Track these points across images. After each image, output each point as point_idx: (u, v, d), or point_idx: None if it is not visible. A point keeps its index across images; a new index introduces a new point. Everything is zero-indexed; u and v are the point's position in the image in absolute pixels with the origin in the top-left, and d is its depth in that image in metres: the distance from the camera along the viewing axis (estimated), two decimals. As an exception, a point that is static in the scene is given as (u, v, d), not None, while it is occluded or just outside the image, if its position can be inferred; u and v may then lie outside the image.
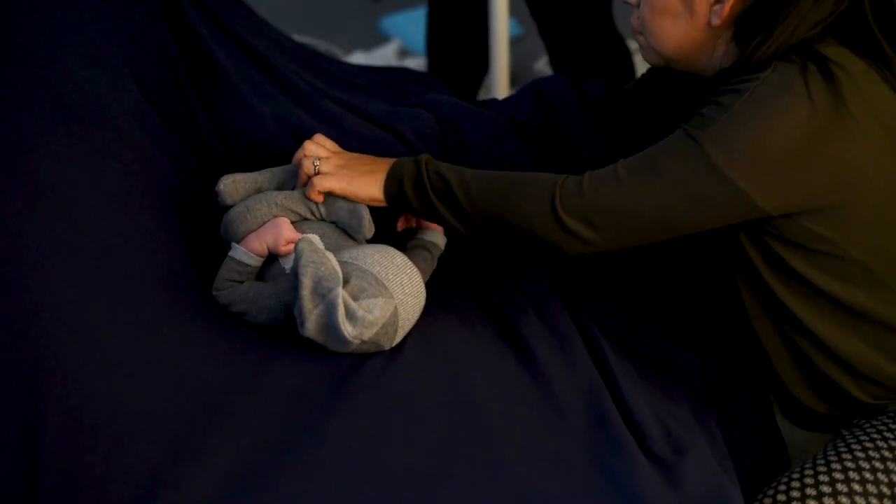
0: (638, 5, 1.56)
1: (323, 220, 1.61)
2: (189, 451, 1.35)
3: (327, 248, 1.49)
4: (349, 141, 1.72)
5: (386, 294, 1.48)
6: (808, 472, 1.53)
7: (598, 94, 1.86)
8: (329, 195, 1.58)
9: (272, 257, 1.57)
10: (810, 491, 1.50)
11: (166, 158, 1.66)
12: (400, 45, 3.43)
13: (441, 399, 1.47)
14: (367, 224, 1.58)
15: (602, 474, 1.42)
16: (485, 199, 1.53)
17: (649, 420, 1.54)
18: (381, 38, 3.51)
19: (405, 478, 1.36)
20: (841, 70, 1.44)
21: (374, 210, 1.59)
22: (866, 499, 1.48)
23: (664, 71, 1.75)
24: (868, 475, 1.50)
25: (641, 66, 2.84)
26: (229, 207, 1.62)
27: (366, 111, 1.82)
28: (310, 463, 1.36)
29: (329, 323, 1.44)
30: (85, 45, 1.67)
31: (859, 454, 1.53)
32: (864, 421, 1.60)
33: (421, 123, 1.80)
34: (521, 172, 1.55)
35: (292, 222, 1.58)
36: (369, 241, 1.60)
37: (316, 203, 1.59)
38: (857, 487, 1.49)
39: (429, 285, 1.59)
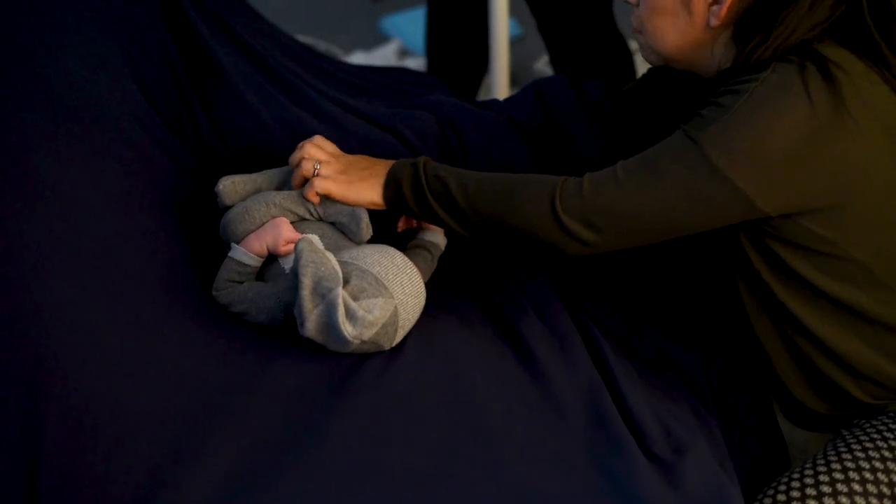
0: (637, 4, 1.56)
1: (321, 220, 1.61)
2: (189, 451, 1.35)
3: (327, 249, 1.50)
4: (349, 141, 1.72)
5: (386, 294, 1.48)
6: (808, 472, 1.53)
7: (598, 94, 1.86)
8: (328, 197, 1.58)
9: (272, 257, 1.57)
10: (810, 491, 1.50)
11: (166, 158, 1.66)
12: (400, 45, 3.43)
13: (441, 399, 1.47)
14: (365, 227, 1.58)
15: (602, 474, 1.42)
16: (484, 202, 1.53)
17: (649, 420, 1.54)
18: (381, 38, 3.51)
19: (405, 478, 1.36)
20: (840, 71, 1.44)
21: (374, 210, 1.59)
22: (866, 499, 1.48)
23: (664, 71, 1.75)
24: (868, 475, 1.50)
25: (642, 66, 2.84)
26: (228, 208, 1.62)
27: (366, 111, 1.82)
28: (310, 463, 1.36)
29: (329, 323, 1.44)
30: (85, 45, 1.67)
31: (859, 454, 1.53)
32: (864, 421, 1.60)
33: (421, 124, 1.80)
34: (521, 174, 1.55)
35: (291, 223, 1.58)
36: (369, 241, 1.60)
37: (314, 204, 1.59)
38: (857, 487, 1.49)
39: (429, 285, 1.59)
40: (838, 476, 1.50)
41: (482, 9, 2.62)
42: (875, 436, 1.55)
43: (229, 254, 1.57)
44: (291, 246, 1.54)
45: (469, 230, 1.56)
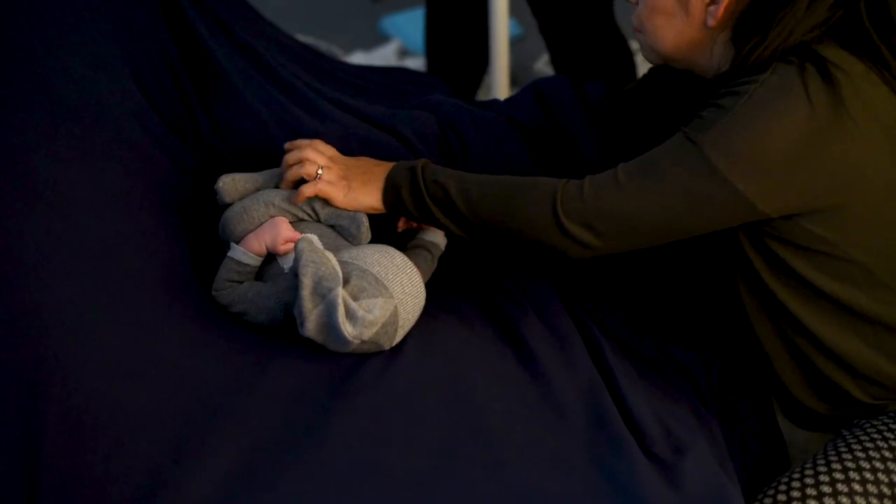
0: (637, 3, 1.56)
1: (320, 222, 1.61)
2: (189, 451, 1.35)
3: (326, 249, 1.49)
4: (349, 142, 1.72)
5: (386, 294, 1.48)
6: (808, 472, 1.53)
7: (598, 94, 1.86)
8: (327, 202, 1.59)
9: (271, 257, 1.58)
10: (811, 491, 1.50)
11: (166, 158, 1.66)
12: (400, 45, 3.43)
13: (441, 399, 1.47)
14: (365, 231, 1.58)
15: (602, 474, 1.42)
16: (484, 206, 1.53)
17: (649, 420, 1.54)
18: (381, 38, 3.50)
19: (405, 478, 1.36)
20: (840, 72, 1.44)
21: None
22: (866, 499, 1.48)
23: (665, 71, 1.75)
24: (868, 475, 1.50)
25: (643, 66, 2.84)
26: (228, 206, 1.62)
27: (366, 112, 1.82)
28: (310, 463, 1.36)
29: (329, 323, 1.44)
30: (85, 45, 1.67)
31: (860, 454, 1.53)
32: (864, 421, 1.60)
33: (421, 124, 1.80)
34: (521, 177, 1.55)
35: (290, 223, 1.58)
36: (369, 242, 1.60)
37: (313, 205, 1.59)
38: (857, 487, 1.49)
39: (429, 285, 1.59)
40: (838, 476, 1.50)
41: (481, 8, 2.62)
42: (875, 436, 1.55)
43: (228, 253, 1.57)
44: (290, 245, 1.54)
45: (469, 233, 1.56)
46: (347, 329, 1.44)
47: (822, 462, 1.54)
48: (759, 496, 1.56)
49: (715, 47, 1.53)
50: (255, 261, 1.56)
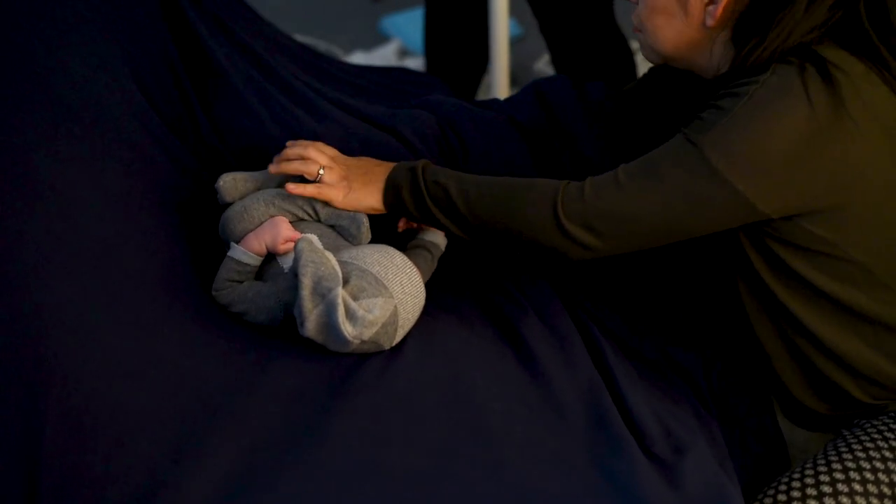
0: (637, 3, 1.56)
1: (320, 221, 1.61)
2: (189, 451, 1.35)
3: (326, 248, 1.50)
4: (350, 142, 1.72)
5: (386, 294, 1.48)
6: (808, 471, 1.53)
7: (599, 94, 1.86)
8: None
9: (271, 257, 1.58)
10: (811, 491, 1.50)
11: (166, 158, 1.66)
12: (400, 45, 3.43)
13: (441, 399, 1.47)
14: (365, 231, 1.58)
15: (602, 474, 1.42)
16: (484, 207, 1.53)
17: (649, 420, 1.54)
18: (381, 38, 3.50)
19: (405, 478, 1.36)
20: (840, 72, 1.44)
21: (374, 210, 1.60)
22: (867, 499, 1.48)
23: (665, 71, 1.75)
24: (868, 475, 1.50)
25: (643, 66, 2.84)
26: (228, 205, 1.62)
27: (366, 112, 1.82)
28: (310, 463, 1.36)
29: (329, 323, 1.44)
30: (85, 45, 1.67)
31: (860, 454, 1.53)
32: (864, 421, 1.60)
33: (421, 124, 1.80)
34: (522, 178, 1.55)
35: (290, 223, 1.58)
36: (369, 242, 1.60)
37: (313, 205, 1.59)
38: (857, 487, 1.49)
39: (429, 285, 1.59)
40: (839, 476, 1.50)
41: (480, 8, 2.62)
42: (875, 435, 1.55)
43: (228, 253, 1.57)
44: (290, 245, 1.54)
45: (470, 234, 1.56)
46: (347, 329, 1.44)
47: (823, 462, 1.54)
48: (759, 496, 1.56)
49: (714, 47, 1.53)
50: (255, 260, 1.56)
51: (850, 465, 1.51)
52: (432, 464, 1.38)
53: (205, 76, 1.79)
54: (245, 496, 1.32)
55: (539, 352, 1.58)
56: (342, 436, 1.39)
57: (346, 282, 1.47)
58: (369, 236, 1.59)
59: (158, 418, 1.37)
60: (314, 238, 1.49)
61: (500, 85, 2.56)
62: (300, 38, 3.22)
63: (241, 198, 1.62)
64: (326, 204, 1.59)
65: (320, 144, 1.62)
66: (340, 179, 1.58)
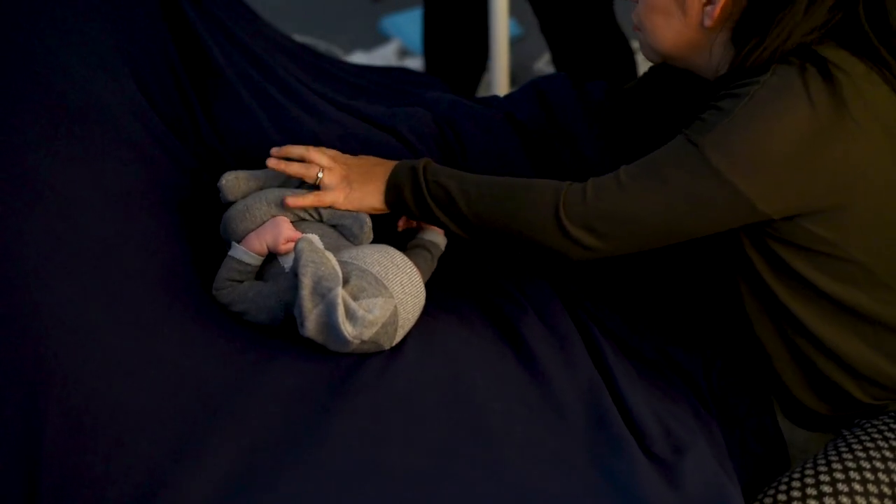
0: (637, 1, 1.56)
1: (322, 222, 1.61)
2: (189, 451, 1.35)
3: (326, 248, 1.50)
4: (349, 142, 1.72)
5: (386, 294, 1.48)
6: (808, 471, 1.53)
7: (599, 94, 1.86)
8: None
9: (272, 256, 1.58)
10: (811, 491, 1.50)
11: (166, 158, 1.66)
12: (400, 45, 3.43)
13: (441, 399, 1.47)
14: (367, 231, 1.59)
15: (602, 474, 1.42)
16: (486, 207, 1.53)
17: (649, 420, 1.54)
18: (381, 38, 3.50)
19: (405, 478, 1.36)
20: (841, 72, 1.44)
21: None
22: (867, 498, 1.48)
23: (665, 70, 1.75)
24: (869, 475, 1.50)
25: (644, 65, 2.84)
26: (230, 204, 1.62)
27: (365, 112, 1.82)
28: (310, 463, 1.36)
29: (329, 323, 1.44)
30: (85, 45, 1.67)
31: (860, 454, 1.53)
32: (864, 421, 1.60)
33: (419, 123, 1.80)
34: (523, 179, 1.55)
35: (291, 222, 1.58)
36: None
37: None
38: (857, 487, 1.49)
39: (429, 285, 1.59)
40: (839, 476, 1.50)
41: (478, 8, 2.62)
42: (876, 435, 1.55)
43: (229, 252, 1.57)
44: (291, 245, 1.54)
45: (470, 234, 1.56)
46: (347, 329, 1.44)
47: (823, 462, 1.54)
48: (759, 496, 1.56)
49: (714, 48, 1.53)
50: (256, 260, 1.56)
51: (850, 464, 1.51)
52: (432, 464, 1.38)
53: (204, 76, 1.79)
54: (245, 496, 1.32)
55: (539, 352, 1.58)
56: (342, 436, 1.39)
57: (346, 282, 1.47)
58: (371, 236, 1.60)
59: (158, 418, 1.37)
60: (315, 238, 1.49)
61: (500, 85, 2.56)
62: (300, 38, 3.22)
63: (244, 197, 1.62)
64: None
65: (322, 148, 1.62)
66: (341, 180, 1.58)
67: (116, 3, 1.75)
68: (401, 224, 1.68)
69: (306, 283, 1.43)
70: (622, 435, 1.49)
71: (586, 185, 1.49)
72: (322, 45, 3.43)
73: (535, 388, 1.53)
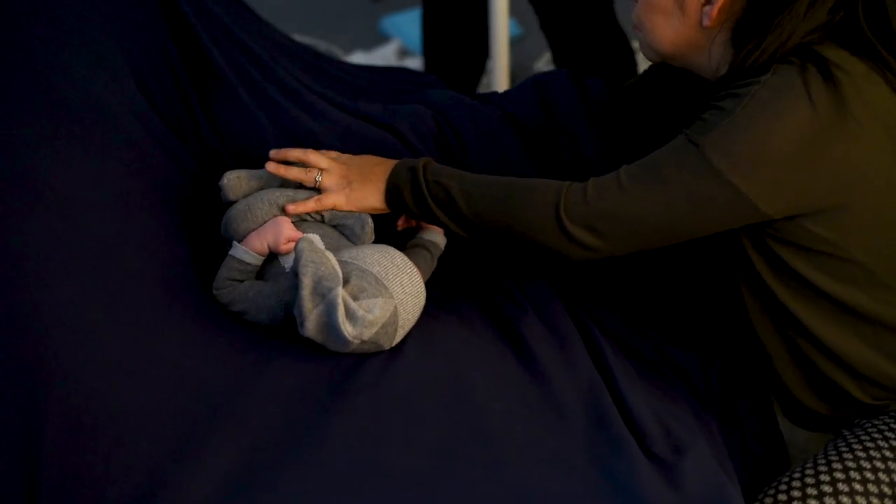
0: (637, 0, 1.56)
1: (323, 222, 1.61)
2: (189, 451, 1.35)
3: (327, 248, 1.50)
4: (348, 141, 1.72)
5: (386, 294, 1.48)
6: (808, 471, 1.53)
7: (599, 93, 1.86)
8: None
9: (272, 256, 1.58)
10: (811, 490, 1.50)
11: (166, 158, 1.66)
12: (400, 45, 3.43)
13: (441, 399, 1.47)
14: (369, 231, 1.59)
15: (602, 474, 1.42)
16: (486, 207, 1.53)
17: (649, 420, 1.54)
18: (381, 38, 3.50)
19: (405, 478, 1.36)
20: (842, 72, 1.44)
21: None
22: (867, 498, 1.48)
23: (665, 69, 1.75)
24: (869, 475, 1.50)
25: (644, 64, 2.84)
26: (231, 203, 1.62)
27: (365, 111, 1.82)
28: (310, 463, 1.35)
29: (329, 323, 1.44)
30: (85, 45, 1.67)
31: (860, 454, 1.53)
32: (864, 421, 1.60)
33: (419, 122, 1.80)
34: (524, 179, 1.55)
35: (292, 222, 1.58)
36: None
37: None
38: (857, 487, 1.49)
39: (429, 285, 1.59)
40: (839, 476, 1.50)
41: (478, 8, 2.62)
42: (876, 435, 1.55)
43: (230, 252, 1.57)
44: (292, 245, 1.54)
45: (471, 233, 1.56)
46: (347, 329, 1.44)
47: (823, 462, 1.54)
48: (760, 496, 1.56)
49: (713, 48, 1.53)
50: (256, 259, 1.56)
51: (850, 464, 1.51)
52: (432, 464, 1.38)
53: (204, 76, 1.79)
54: (245, 496, 1.32)
55: (539, 352, 1.58)
56: (342, 436, 1.39)
57: (346, 282, 1.47)
58: (373, 236, 1.60)
59: (158, 418, 1.37)
60: (315, 238, 1.49)
61: (500, 85, 2.57)
62: (300, 38, 3.22)
63: (245, 196, 1.62)
64: None
65: (320, 150, 1.62)
66: (340, 181, 1.58)
67: (116, 3, 1.75)
68: (400, 223, 1.68)
69: (306, 283, 1.43)
70: (622, 435, 1.49)
71: (587, 185, 1.49)
72: (322, 45, 3.43)
73: (535, 388, 1.53)
